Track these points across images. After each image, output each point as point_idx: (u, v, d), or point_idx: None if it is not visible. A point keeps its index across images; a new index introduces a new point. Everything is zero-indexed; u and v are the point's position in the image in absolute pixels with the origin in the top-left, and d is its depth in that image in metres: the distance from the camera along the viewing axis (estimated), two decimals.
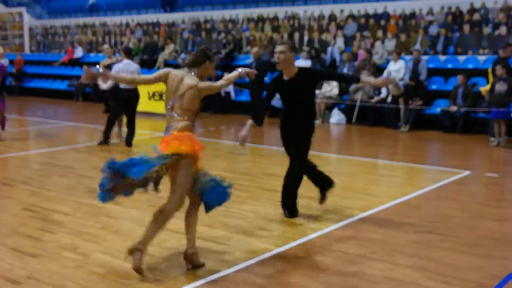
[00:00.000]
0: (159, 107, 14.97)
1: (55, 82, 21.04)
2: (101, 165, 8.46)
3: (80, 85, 19.36)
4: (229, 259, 4.53)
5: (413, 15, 16.39)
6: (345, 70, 14.49)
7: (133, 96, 9.97)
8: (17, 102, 19.08)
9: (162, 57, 18.22)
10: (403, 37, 14.90)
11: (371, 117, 13.04)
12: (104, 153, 9.52)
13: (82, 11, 22.63)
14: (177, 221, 4.62)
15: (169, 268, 4.35)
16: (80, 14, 22.67)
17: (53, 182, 7.28)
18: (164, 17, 20.13)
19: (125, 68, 9.65)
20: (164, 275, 4.20)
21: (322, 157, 9.35)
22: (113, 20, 21.57)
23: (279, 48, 5.49)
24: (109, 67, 10.32)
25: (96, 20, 22.03)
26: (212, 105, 15.62)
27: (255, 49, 13.50)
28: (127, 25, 21.14)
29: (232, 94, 15.70)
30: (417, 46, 14.29)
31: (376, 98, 13.03)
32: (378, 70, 13.99)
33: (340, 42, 15.64)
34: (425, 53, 14.22)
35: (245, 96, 15.32)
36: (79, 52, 21.41)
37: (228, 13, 19.01)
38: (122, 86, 9.74)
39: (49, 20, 23.55)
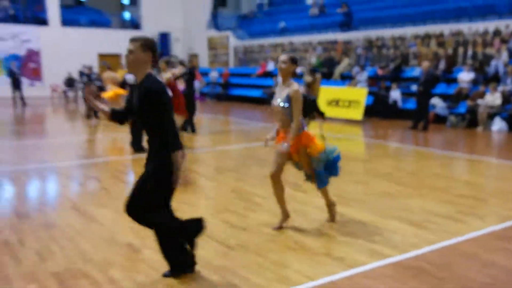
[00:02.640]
0: (334, 112, 15.09)
1: (252, 90, 22.11)
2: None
3: (271, 93, 20.19)
4: (400, 246, 4.41)
5: None
6: (508, 82, 13.17)
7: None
8: (223, 106, 20.47)
9: (338, 70, 18.28)
10: None
11: None
12: None
13: (274, 33, 23.42)
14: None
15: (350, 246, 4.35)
16: (273, 35, 23.48)
17: (252, 171, 7.67)
18: (341, 36, 20.05)
19: None
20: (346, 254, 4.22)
21: (483, 162, 8.64)
22: (299, 39, 22.04)
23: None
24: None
25: (285, 39, 22.68)
26: (381, 112, 15.28)
27: (426, 63, 12.81)
28: (310, 43, 21.47)
29: (399, 103, 15.16)
30: None
31: None
32: None
33: (504, 55, 14.23)
34: None
35: (411, 104, 14.68)
36: (271, 66, 22.28)
37: (397, 31, 18.36)
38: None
39: (249, 40, 24.78)
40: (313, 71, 10.10)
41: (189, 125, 11.62)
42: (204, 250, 4.29)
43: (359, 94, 15.25)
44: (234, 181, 7.00)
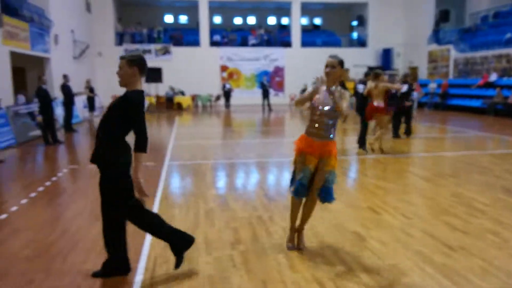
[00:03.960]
0: None
1: (472, 101, 19.95)
2: None
3: (492, 103, 17.87)
4: None
5: None
6: None
7: None
8: (441, 115, 18.96)
9: None
10: None
11: None
12: None
13: (499, 44, 20.61)
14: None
15: None
16: (497, 46, 20.69)
17: (473, 178, 6.89)
18: None
19: None
20: None
21: None
22: None
23: None
24: None
25: (510, 50, 19.78)
26: None
27: None
28: None
29: None
30: None
31: None
32: None
33: None
34: None
35: None
36: (493, 77, 19.72)
37: None
38: None
39: (471, 53, 22.38)
40: None
41: (406, 129, 11.74)
42: (426, 247, 4.03)
43: None
44: (454, 186, 6.39)
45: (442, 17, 25.19)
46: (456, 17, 27.57)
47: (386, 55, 27.74)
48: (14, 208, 5.50)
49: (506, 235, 4.32)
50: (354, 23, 30.23)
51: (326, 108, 3.76)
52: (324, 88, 3.80)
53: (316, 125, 3.80)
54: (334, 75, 3.79)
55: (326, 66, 3.78)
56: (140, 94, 3.36)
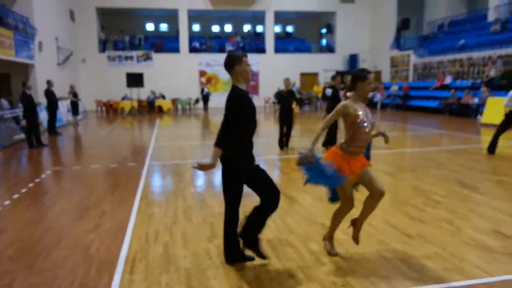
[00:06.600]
0: None
1: (429, 101, 20.42)
2: (467, 164, 7.76)
3: (447, 103, 18.33)
4: None
5: None
6: None
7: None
8: (401, 115, 19.32)
9: None
10: None
11: None
12: (477, 156, 8.74)
13: (453, 50, 21.15)
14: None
15: None
16: (451, 52, 21.23)
17: (430, 172, 7.05)
18: None
19: None
20: None
21: None
22: (478, 54, 19.52)
23: None
24: None
25: (464, 55, 20.32)
26: None
27: None
28: (490, 58, 18.81)
29: None
30: None
31: None
32: None
33: None
34: None
35: None
36: (448, 80, 20.24)
37: None
38: None
39: (428, 58, 22.89)
40: None
41: None
42: (386, 236, 4.10)
43: None
44: (414, 179, 6.53)
45: (403, 25, 25.70)
46: (416, 25, 28.18)
47: (353, 60, 28.12)
48: None
49: (458, 224, 4.43)
50: (323, 30, 30.52)
51: (370, 124, 3.48)
52: (359, 104, 3.47)
53: (361, 143, 3.45)
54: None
55: (371, 82, 3.42)
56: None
